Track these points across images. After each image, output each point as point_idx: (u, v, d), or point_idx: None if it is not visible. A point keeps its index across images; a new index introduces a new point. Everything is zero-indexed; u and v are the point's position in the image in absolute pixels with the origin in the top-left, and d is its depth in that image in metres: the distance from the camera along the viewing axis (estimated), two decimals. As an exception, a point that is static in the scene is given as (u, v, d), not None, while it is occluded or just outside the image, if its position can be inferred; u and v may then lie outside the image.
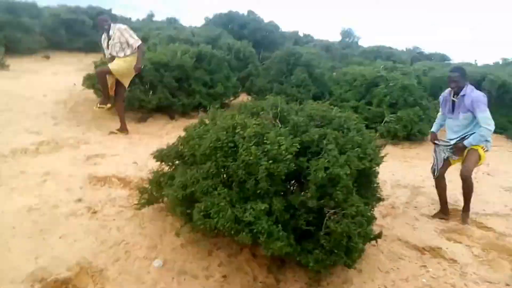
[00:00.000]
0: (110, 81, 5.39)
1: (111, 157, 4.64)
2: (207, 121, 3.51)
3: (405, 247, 3.42)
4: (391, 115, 6.97)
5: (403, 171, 5.49)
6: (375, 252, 3.23)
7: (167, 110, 6.77)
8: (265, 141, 2.68)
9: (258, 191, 2.60)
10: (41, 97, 6.95)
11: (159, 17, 24.42)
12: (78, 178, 3.91)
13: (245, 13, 16.34)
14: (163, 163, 3.40)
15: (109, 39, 5.36)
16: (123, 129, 5.70)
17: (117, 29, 5.30)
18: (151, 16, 24.29)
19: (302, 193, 2.82)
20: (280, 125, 3.03)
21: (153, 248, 2.93)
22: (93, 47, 12.84)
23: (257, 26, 15.01)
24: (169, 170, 3.37)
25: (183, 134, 3.36)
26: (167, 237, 3.08)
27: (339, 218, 2.73)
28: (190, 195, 2.78)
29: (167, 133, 6.11)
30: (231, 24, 15.66)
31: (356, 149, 2.91)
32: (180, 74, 6.80)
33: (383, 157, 3.20)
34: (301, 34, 22.70)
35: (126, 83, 5.52)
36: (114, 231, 3.08)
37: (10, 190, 3.51)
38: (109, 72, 5.27)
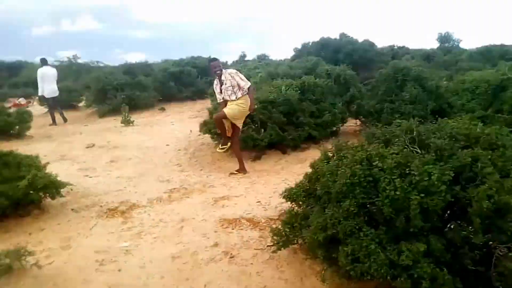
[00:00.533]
0: (226, 124, 5.63)
1: (236, 198, 4.73)
2: (330, 154, 3.36)
3: None
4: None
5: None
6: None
7: (278, 146, 6.80)
8: (410, 171, 2.43)
9: (411, 229, 2.33)
10: (164, 146, 7.57)
11: (250, 56, 25.60)
12: (210, 222, 4.02)
13: (337, 37, 16.19)
14: (293, 203, 3.31)
15: (221, 84, 5.62)
16: (242, 170, 5.86)
17: (228, 74, 5.57)
18: (243, 56, 25.70)
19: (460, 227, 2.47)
20: (420, 152, 2.75)
21: (297, 294, 2.79)
22: (200, 94, 13.88)
23: (352, 47, 14.72)
24: (300, 209, 3.26)
25: (298, 168, 3.24)
26: (308, 281, 2.93)
27: (514, 254, 2.32)
28: (331, 237, 2.62)
29: (282, 168, 6.09)
30: (324, 50, 15.53)
31: (519, 169, 2.49)
32: (287, 108, 6.83)
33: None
34: (395, 46, 21.64)
35: (240, 124, 5.72)
36: (254, 276, 3.03)
37: (153, 239, 3.71)
38: (225, 116, 5.51)
